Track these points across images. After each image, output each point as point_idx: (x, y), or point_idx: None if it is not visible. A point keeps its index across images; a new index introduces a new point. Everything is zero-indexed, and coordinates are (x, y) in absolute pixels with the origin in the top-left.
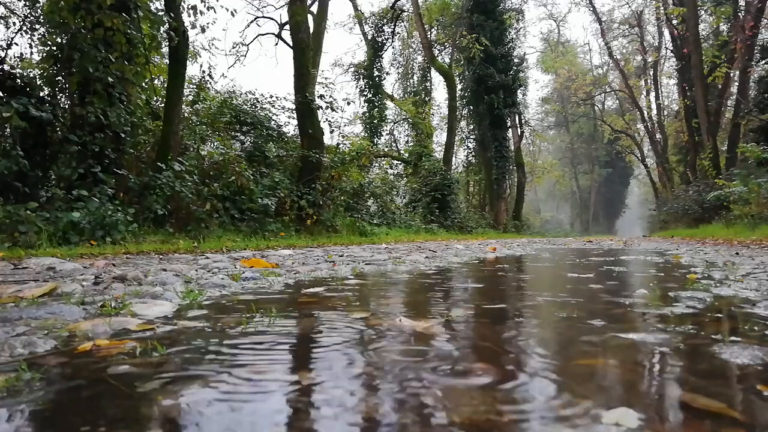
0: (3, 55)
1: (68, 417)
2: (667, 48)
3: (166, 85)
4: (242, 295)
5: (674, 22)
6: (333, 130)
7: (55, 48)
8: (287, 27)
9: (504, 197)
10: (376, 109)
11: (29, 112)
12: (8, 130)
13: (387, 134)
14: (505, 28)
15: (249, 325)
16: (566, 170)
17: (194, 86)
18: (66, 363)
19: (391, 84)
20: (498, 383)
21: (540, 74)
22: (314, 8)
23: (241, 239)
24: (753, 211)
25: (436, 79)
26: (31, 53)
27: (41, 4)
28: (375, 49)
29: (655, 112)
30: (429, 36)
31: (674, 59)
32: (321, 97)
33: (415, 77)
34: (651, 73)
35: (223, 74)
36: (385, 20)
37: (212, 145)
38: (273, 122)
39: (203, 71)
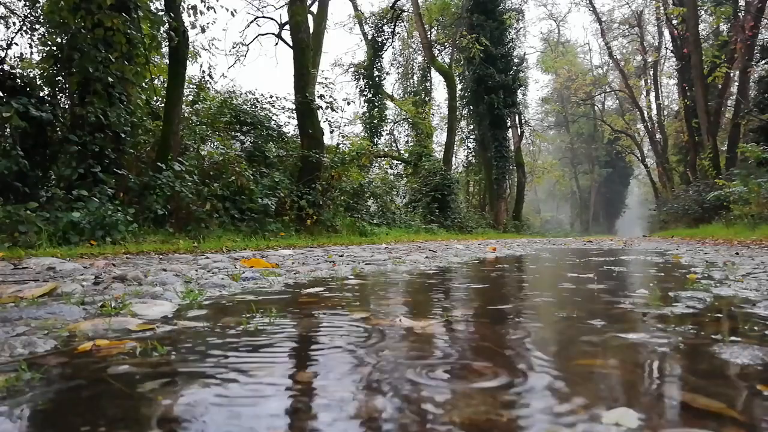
0: (3, 55)
1: (68, 417)
2: (667, 48)
3: (166, 85)
4: (242, 295)
5: (674, 22)
6: (333, 130)
7: (55, 48)
8: (287, 27)
9: (504, 197)
10: (376, 109)
11: (29, 112)
12: (8, 130)
13: (387, 134)
14: (505, 28)
15: (249, 325)
16: (566, 170)
17: (194, 86)
18: (66, 363)
19: (391, 84)
20: (498, 383)
21: (540, 74)
22: (314, 8)
23: (241, 239)
24: (753, 211)
25: (436, 79)
26: (31, 53)
27: (41, 4)
28: (375, 49)
29: (655, 112)
30: (429, 36)
31: (674, 59)
32: (321, 97)
33: (415, 77)
34: (651, 73)
35: (223, 74)
36: (385, 20)
37: (212, 145)
38: (273, 122)
39: (203, 71)
